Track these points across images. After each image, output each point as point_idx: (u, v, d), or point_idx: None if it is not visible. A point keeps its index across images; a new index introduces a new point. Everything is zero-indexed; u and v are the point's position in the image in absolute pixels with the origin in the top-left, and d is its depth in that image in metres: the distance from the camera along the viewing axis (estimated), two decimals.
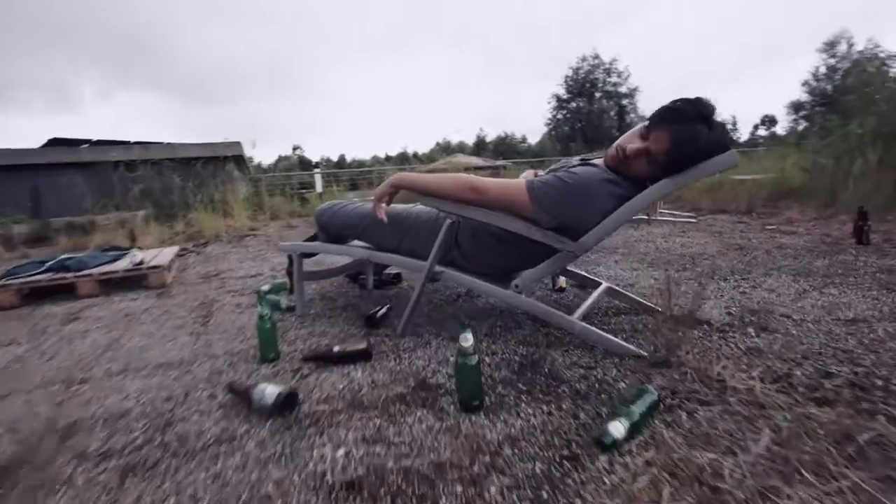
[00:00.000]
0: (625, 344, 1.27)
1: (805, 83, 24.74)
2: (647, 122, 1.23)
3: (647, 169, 1.23)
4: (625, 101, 25.24)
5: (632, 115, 25.52)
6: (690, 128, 1.15)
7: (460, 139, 45.56)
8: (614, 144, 1.28)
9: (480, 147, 41.05)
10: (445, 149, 35.76)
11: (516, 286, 1.32)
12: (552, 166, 1.52)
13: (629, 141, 1.24)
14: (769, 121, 40.78)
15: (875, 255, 2.34)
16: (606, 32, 73.58)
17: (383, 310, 1.68)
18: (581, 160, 1.45)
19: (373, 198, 1.40)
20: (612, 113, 25.36)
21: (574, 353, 1.31)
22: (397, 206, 1.62)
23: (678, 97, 1.19)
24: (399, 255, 1.55)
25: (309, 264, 2.11)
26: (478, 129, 58.25)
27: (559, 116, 27.38)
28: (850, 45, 23.50)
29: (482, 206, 1.27)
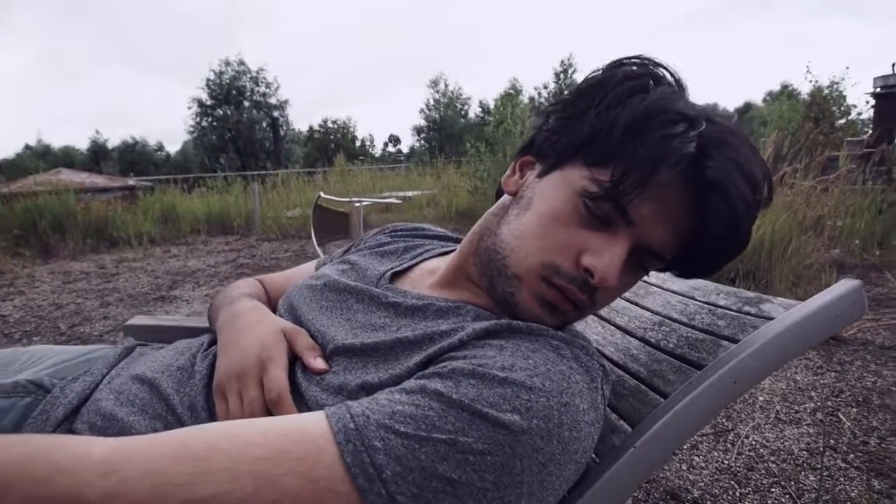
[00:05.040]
0: None
1: (421, 111, 30.39)
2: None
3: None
4: (276, 114, 24.61)
5: (284, 129, 25.22)
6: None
7: (66, 144, 34.73)
8: (549, 262, 0.48)
9: (100, 156, 32.27)
10: (42, 156, 26.36)
11: None
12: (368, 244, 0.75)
13: (585, 245, 0.47)
14: (395, 139, 48.39)
15: None
16: (248, 37, 71.11)
17: None
18: (427, 236, 0.77)
19: None
20: (265, 124, 24.34)
21: None
22: None
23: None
24: None
25: None
26: (93, 131, 45.97)
27: (204, 124, 24.32)
28: (446, 85, 30.30)
29: None
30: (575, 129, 0.49)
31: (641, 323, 0.73)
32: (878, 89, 4.93)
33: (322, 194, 4.63)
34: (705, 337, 0.62)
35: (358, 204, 4.48)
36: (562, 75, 25.53)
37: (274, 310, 0.66)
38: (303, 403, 0.48)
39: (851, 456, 1.33)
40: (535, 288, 0.49)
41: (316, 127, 32.59)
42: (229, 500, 0.34)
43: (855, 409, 1.56)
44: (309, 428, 0.38)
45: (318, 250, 4.59)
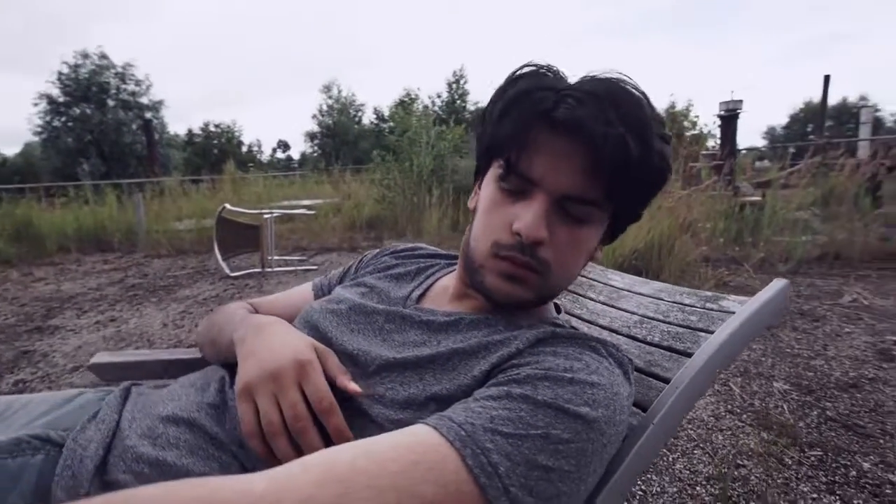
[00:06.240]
0: None
1: (314, 116, 29.43)
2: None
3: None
4: (149, 115, 22.06)
5: (160, 132, 22.75)
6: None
7: None
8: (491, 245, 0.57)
9: None
10: None
11: None
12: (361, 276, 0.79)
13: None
14: (284, 145, 46.18)
15: None
16: (108, 28, 62.59)
17: None
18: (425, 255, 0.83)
19: None
20: (135, 126, 21.69)
21: None
22: None
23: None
24: None
25: None
26: None
27: (57, 124, 21.00)
28: (339, 90, 29.73)
29: None
30: (482, 137, 0.59)
31: (623, 322, 0.87)
32: (723, 112, 5.96)
33: (227, 206, 4.35)
34: (684, 330, 0.78)
35: (268, 215, 4.28)
36: (454, 85, 26.44)
37: None
38: (368, 421, 0.52)
39: (744, 416, 1.64)
40: (492, 268, 0.56)
41: (196, 131, 29.85)
42: None
43: (740, 379, 1.92)
44: (426, 440, 0.43)
45: (223, 265, 4.29)
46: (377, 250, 0.87)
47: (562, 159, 0.52)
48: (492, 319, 0.60)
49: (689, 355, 0.71)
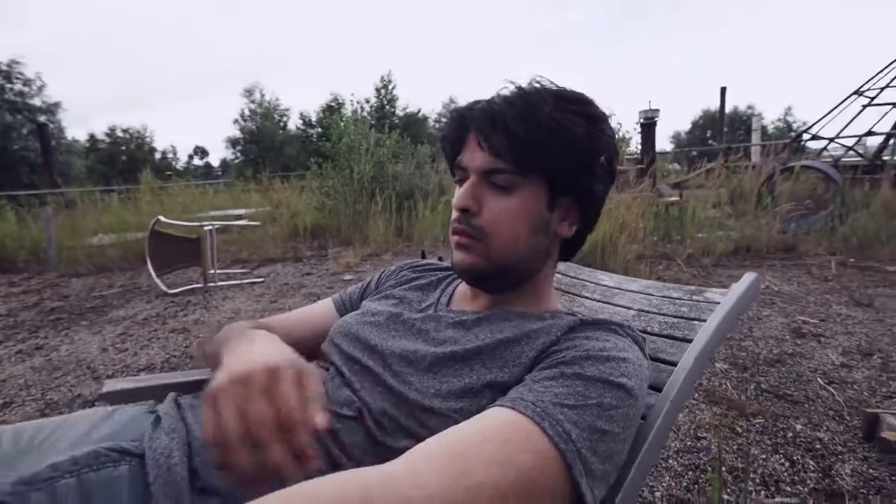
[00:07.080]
0: None
1: (236, 121, 28.02)
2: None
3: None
4: (43, 118, 19.80)
5: (56, 137, 20.54)
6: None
7: None
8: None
9: None
10: None
11: None
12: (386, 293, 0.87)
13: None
14: (201, 151, 43.55)
15: None
16: None
17: None
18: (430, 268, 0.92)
19: None
20: (26, 131, 19.41)
21: None
22: None
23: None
24: None
25: None
26: None
27: None
28: (262, 94, 28.56)
29: None
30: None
31: (622, 317, 0.98)
32: (643, 120, 6.51)
33: (161, 218, 4.08)
34: (679, 320, 0.90)
35: (209, 227, 4.07)
36: (383, 91, 26.36)
37: (315, 347, 0.78)
38: (431, 414, 0.58)
39: (696, 395, 1.85)
40: (452, 245, 0.69)
41: (100, 136, 27.30)
42: (489, 484, 0.43)
43: None
44: (510, 419, 0.50)
45: (158, 282, 4.01)
46: (394, 267, 0.95)
47: (473, 144, 0.66)
48: (517, 311, 0.69)
49: (689, 341, 0.83)
